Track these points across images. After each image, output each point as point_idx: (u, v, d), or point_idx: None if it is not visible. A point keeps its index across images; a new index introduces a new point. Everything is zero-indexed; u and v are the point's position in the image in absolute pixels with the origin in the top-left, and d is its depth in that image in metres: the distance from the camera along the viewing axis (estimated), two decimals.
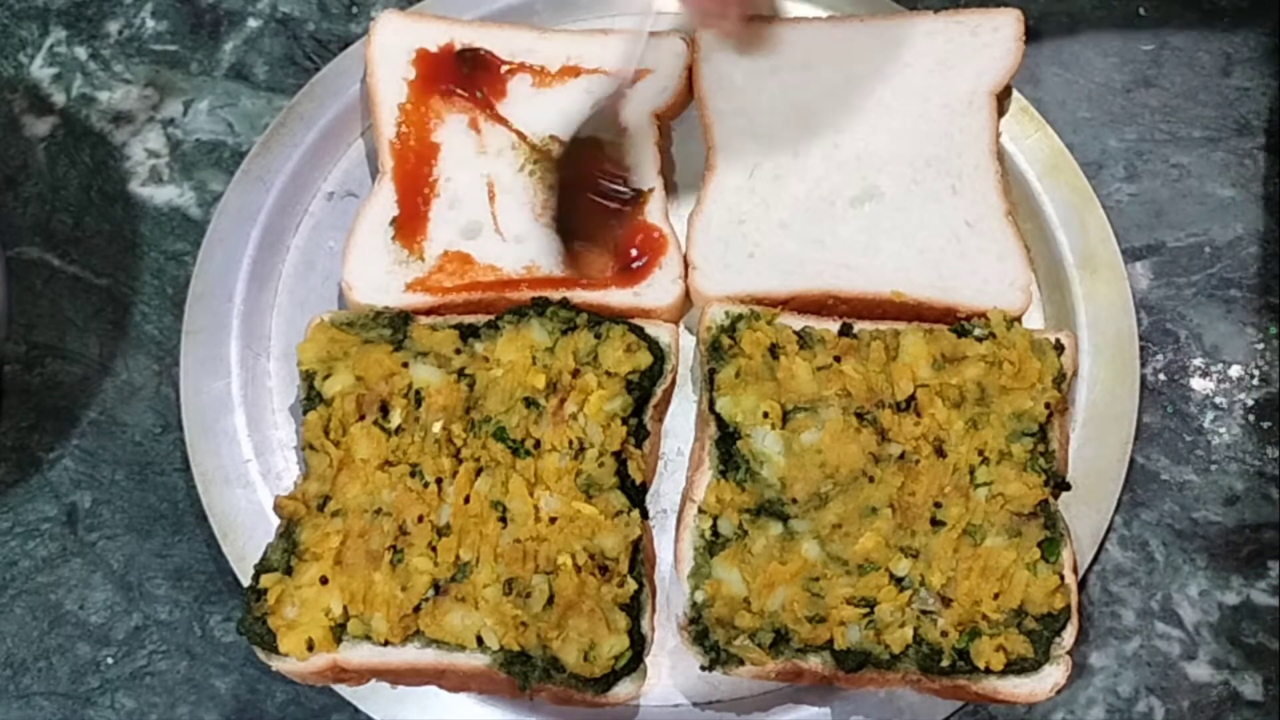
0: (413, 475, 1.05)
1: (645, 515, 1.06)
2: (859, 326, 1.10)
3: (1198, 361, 1.18)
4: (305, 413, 1.08)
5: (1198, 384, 1.17)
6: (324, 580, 1.02)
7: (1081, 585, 1.09)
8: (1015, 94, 1.22)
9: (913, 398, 1.06)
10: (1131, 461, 1.12)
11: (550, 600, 1.00)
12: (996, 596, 1.00)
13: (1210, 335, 1.18)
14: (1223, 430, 1.16)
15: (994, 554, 1.01)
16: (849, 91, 1.19)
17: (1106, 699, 1.10)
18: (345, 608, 1.01)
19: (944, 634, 1.00)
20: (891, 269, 1.13)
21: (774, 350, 1.08)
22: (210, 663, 1.12)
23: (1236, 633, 1.11)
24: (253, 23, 1.31)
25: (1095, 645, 1.11)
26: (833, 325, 1.10)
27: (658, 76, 1.21)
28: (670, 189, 1.20)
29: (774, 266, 1.14)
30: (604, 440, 1.05)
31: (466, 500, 1.04)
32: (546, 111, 1.20)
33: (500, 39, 1.22)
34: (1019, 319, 1.12)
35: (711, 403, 1.08)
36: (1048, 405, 1.05)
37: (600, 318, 1.10)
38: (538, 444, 1.05)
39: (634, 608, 1.02)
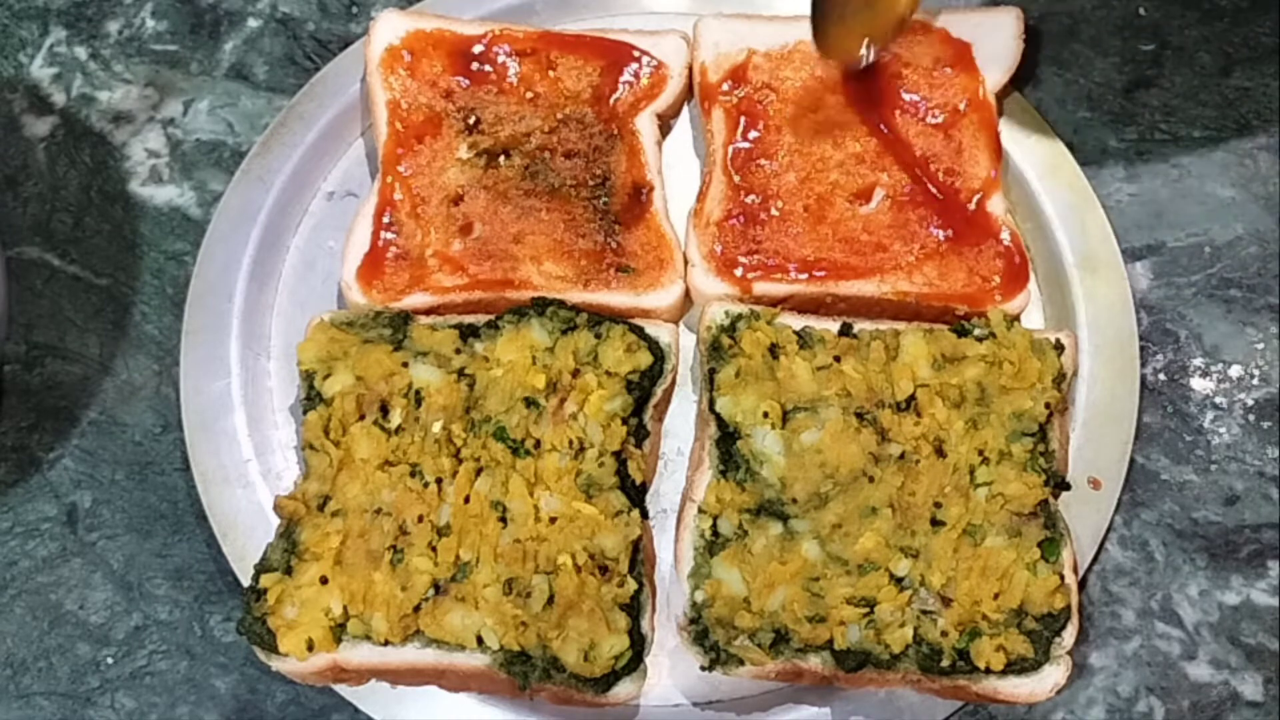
0: (413, 475, 1.05)
1: (645, 515, 1.06)
2: (859, 326, 1.10)
3: (1198, 361, 1.18)
4: (305, 413, 1.08)
5: (1198, 384, 1.17)
6: (324, 580, 1.02)
7: (1081, 585, 1.09)
8: (1015, 94, 1.22)
9: (913, 398, 1.06)
10: (1131, 461, 1.12)
11: (550, 600, 1.00)
12: (996, 596, 1.00)
13: (1210, 335, 1.18)
14: (1223, 430, 1.16)
15: (994, 554, 1.01)
16: (849, 91, 1.19)
17: (1106, 699, 1.10)
18: (345, 608, 1.02)
19: (944, 634, 1.00)
20: (891, 269, 1.13)
21: (774, 350, 1.08)
22: (210, 663, 1.12)
23: (1236, 633, 1.11)
24: (253, 23, 1.31)
25: (1095, 645, 1.11)
26: (833, 325, 1.10)
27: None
28: (670, 189, 1.20)
29: (774, 266, 1.14)
30: (604, 440, 1.05)
31: (466, 500, 1.04)
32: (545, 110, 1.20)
33: (500, 38, 1.22)
34: (1019, 319, 1.12)
35: (711, 403, 1.08)
36: (1048, 405, 1.05)
37: (600, 318, 1.10)
38: (538, 444, 1.05)
39: (634, 608, 1.02)
